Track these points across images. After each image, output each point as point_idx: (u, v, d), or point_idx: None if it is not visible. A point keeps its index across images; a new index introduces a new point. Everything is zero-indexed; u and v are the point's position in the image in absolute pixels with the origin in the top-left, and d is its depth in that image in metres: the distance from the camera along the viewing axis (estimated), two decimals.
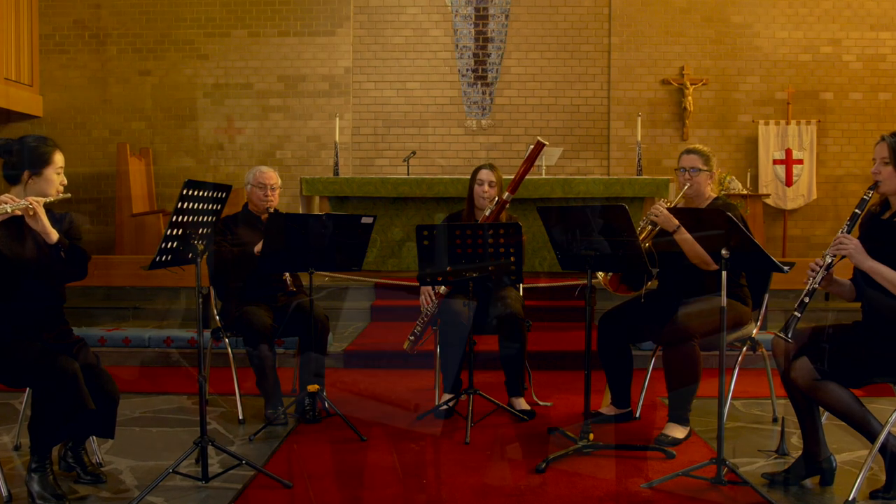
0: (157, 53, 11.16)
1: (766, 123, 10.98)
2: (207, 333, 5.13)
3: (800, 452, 3.91)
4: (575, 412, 5.14)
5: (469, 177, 5.47)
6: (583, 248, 4.22)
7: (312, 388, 4.84)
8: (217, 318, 5.24)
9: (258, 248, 4.93)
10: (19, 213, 3.56)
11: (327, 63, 11.13)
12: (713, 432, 4.58)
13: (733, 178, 10.40)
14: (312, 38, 11.12)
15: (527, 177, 5.61)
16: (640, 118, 10.16)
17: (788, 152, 10.87)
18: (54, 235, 3.66)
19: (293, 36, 11.12)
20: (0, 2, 10.35)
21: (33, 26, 11.04)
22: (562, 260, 4.37)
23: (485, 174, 5.27)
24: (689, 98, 11.01)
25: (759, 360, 5.30)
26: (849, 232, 3.65)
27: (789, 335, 3.60)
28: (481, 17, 11.22)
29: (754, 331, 4.78)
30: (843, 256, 3.64)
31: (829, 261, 3.64)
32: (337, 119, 10.09)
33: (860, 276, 3.72)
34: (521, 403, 5.10)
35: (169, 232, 3.76)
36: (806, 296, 3.62)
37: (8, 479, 3.79)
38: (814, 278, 3.63)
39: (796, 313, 3.60)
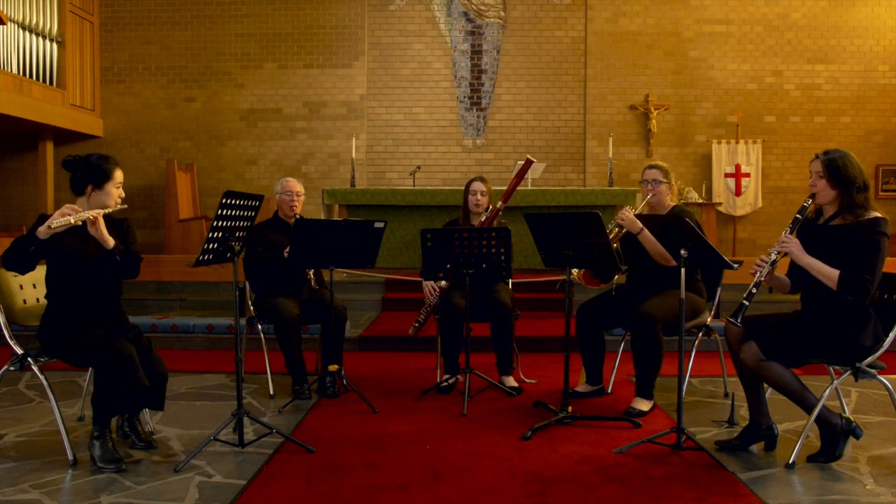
0: (200, 83, 11.16)
1: (719, 143, 10.95)
2: (243, 321, 5.11)
3: (747, 423, 3.89)
4: (556, 389, 5.13)
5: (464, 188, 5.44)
6: (562, 249, 4.22)
7: (332, 367, 4.83)
8: (252, 308, 5.23)
9: (287, 251, 4.92)
10: (80, 223, 3.56)
11: (345, 91, 11.12)
12: (674, 405, 4.58)
13: (691, 189, 10.39)
14: (333, 70, 11.12)
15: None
16: (611, 138, 10.13)
17: (738, 167, 10.85)
18: (111, 243, 3.65)
19: (316, 68, 11.11)
20: (69, 41, 10.34)
21: (95, 60, 11.03)
22: (545, 259, 4.37)
23: (477, 185, 5.24)
24: (653, 121, 10.99)
25: (713, 345, 5.28)
26: (791, 233, 3.62)
27: (738, 320, 3.57)
28: (476, 52, 11.18)
29: (708, 319, 4.77)
30: (786, 254, 3.61)
31: (774, 257, 3.60)
32: (353, 139, 10.08)
33: (799, 271, 3.67)
34: (510, 381, 5.09)
35: (210, 235, 3.76)
36: (754, 287, 3.56)
37: (73, 446, 3.80)
38: (760, 272, 3.60)
39: (745, 302, 3.55)
